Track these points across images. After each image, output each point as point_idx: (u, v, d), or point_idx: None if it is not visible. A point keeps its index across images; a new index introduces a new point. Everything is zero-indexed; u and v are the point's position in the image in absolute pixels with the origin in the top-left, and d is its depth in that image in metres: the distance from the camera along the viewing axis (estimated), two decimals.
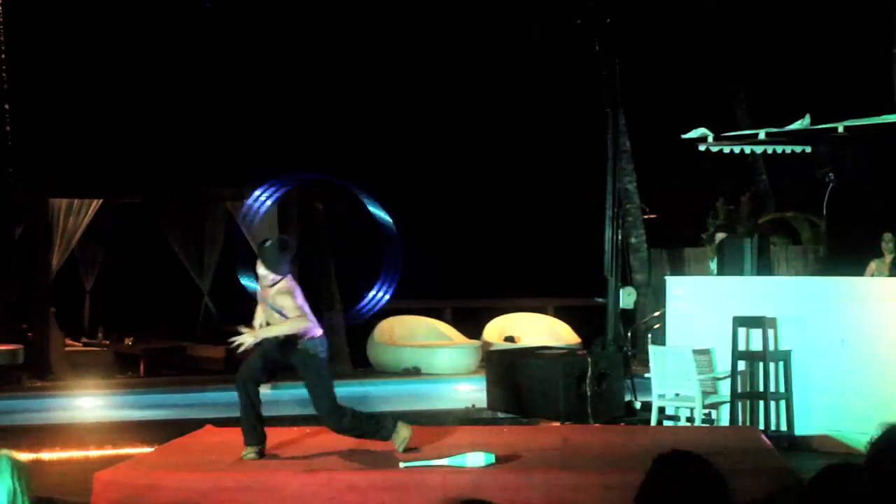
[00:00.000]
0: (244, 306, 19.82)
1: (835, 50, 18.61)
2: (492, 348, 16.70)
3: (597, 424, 11.38)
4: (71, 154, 18.39)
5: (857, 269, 12.50)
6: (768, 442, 8.75)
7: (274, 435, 8.37)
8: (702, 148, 13.16)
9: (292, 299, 7.99)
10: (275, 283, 8.05)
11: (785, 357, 10.81)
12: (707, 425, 10.93)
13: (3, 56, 16.77)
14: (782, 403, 10.82)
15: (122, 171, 18.53)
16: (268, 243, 8.10)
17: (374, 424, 8.19)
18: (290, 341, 8.09)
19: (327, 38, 19.45)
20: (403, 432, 8.09)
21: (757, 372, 10.84)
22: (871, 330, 10.37)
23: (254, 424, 8.10)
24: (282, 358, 8.21)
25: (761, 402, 10.81)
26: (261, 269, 8.10)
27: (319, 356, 8.08)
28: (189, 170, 18.71)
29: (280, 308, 8.01)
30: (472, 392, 15.26)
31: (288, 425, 9.76)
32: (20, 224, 17.29)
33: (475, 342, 18.20)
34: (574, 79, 18.71)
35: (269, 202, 17.25)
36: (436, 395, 15.66)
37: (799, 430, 10.68)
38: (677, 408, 11.30)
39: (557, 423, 11.61)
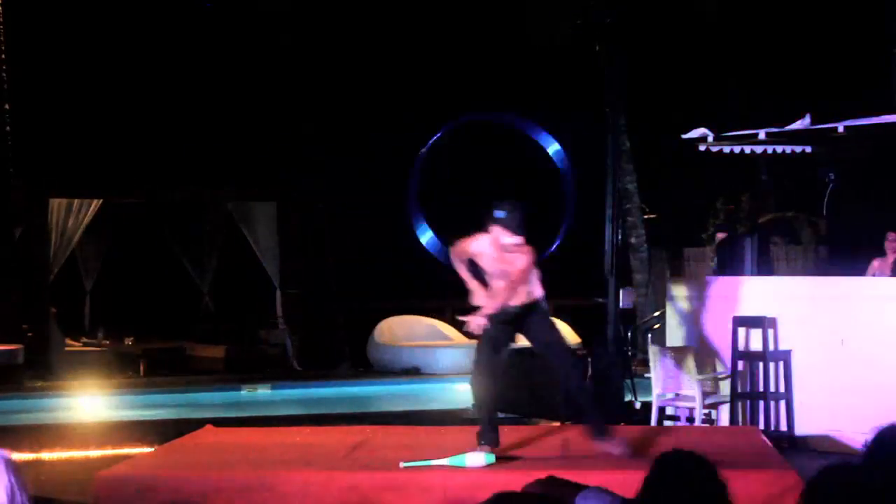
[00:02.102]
0: (244, 306, 19.91)
1: (835, 50, 18.60)
2: None
3: None
4: (71, 154, 18.36)
5: (857, 269, 12.49)
6: (768, 442, 8.75)
7: (275, 435, 8.37)
8: (702, 148, 13.17)
9: None
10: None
11: (785, 357, 10.81)
12: (707, 425, 10.93)
13: (3, 56, 16.77)
14: (782, 403, 10.82)
15: (122, 171, 18.52)
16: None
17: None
18: None
19: (326, 40, 19.45)
20: None
21: (757, 372, 10.84)
22: (871, 330, 10.37)
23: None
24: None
25: (761, 402, 10.82)
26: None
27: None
28: (189, 170, 18.70)
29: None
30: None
31: (288, 425, 9.77)
32: (20, 224, 17.28)
33: (475, 342, 18.16)
34: (574, 79, 18.70)
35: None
36: (436, 395, 15.66)
37: (799, 430, 10.68)
38: (677, 408, 11.31)
39: (557, 423, 11.61)
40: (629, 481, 3.69)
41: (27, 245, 17.22)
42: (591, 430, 8.11)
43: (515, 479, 7.28)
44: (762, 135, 12.70)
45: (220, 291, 21.40)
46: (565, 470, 7.47)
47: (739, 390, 10.92)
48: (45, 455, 10.42)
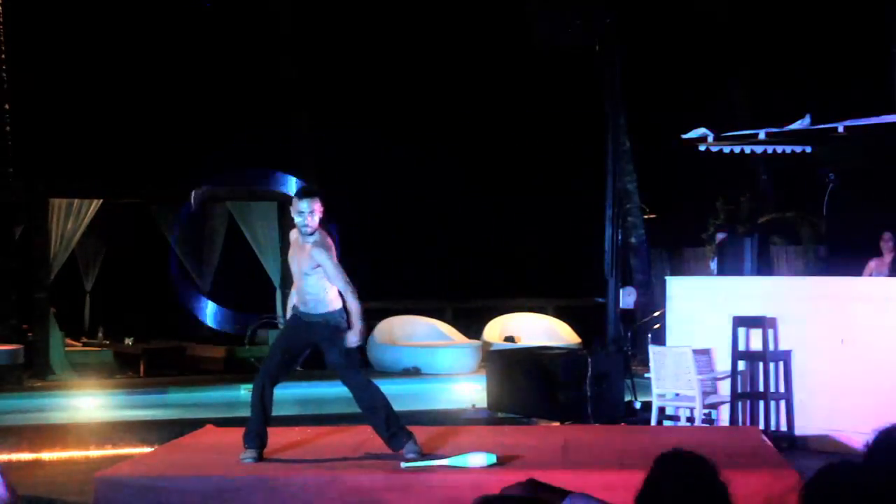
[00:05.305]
0: (244, 306, 19.90)
1: (835, 50, 18.61)
2: (492, 348, 16.70)
3: (597, 424, 11.37)
4: (71, 154, 18.39)
5: (857, 269, 12.51)
6: (768, 442, 8.75)
7: (275, 435, 8.37)
8: (702, 148, 13.17)
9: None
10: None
11: (785, 357, 10.81)
12: (707, 425, 10.93)
13: (3, 56, 16.77)
14: (782, 403, 10.82)
15: (122, 171, 18.54)
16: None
17: (392, 428, 7.98)
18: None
19: (326, 38, 19.47)
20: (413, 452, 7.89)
21: (757, 372, 10.84)
22: (871, 330, 10.37)
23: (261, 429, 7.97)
24: (309, 338, 8.02)
25: (761, 402, 10.81)
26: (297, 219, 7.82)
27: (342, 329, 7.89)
28: (188, 170, 18.72)
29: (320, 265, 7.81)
30: (472, 392, 15.25)
31: (288, 425, 9.76)
32: (20, 224, 17.28)
33: (475, 342, 18.19)
34: (574, 78, 18.70)
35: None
36: (436, 395, 15.65)
37: (799, 430, 10.68)
38: (677, 408, 11.31)
39: (557, 423, 11.61)
40: (629, 481, 3.69)
41: (27, 245, 17.21)
42: (388, 443, 7.94)
43: (516, 480, 7.27)
44: (762, 135, 12.69)
45: (220, 291, 21.40)
46: (565, 470, 7.47)
47: (739, 390, 10.92)
48: (45, 455, 10.42)
